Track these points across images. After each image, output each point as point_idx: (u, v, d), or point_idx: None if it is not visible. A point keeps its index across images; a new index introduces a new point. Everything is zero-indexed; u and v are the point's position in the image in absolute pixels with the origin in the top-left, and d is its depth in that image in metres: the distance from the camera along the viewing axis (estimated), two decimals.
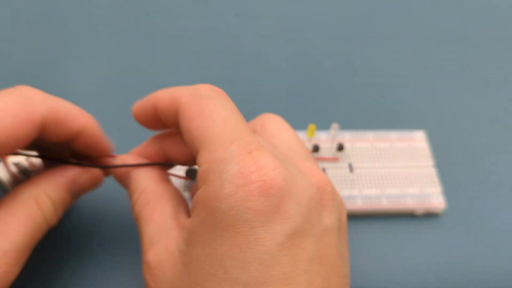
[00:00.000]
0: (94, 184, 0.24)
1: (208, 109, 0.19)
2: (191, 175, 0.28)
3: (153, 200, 0.22)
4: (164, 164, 0.24)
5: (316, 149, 0.30)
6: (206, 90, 0.21)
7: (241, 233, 0.17)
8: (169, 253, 0.19)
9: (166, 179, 0.24)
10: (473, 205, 0.30)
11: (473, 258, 0.28)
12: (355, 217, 0.29)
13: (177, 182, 0.29)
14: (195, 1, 0.41)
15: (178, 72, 0.36)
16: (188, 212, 0.22)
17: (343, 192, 0.29)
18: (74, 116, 0.21)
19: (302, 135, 0.31)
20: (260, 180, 0.17)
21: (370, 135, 0.32)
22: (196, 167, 0.29)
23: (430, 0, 0.42)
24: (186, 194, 0.28)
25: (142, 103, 0.23)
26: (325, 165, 0.30)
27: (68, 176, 0.22)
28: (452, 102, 0.35)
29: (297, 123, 0.31)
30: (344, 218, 0.21)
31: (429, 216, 0.30)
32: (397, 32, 0.40)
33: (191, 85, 0.21)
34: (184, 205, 0.22)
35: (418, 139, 0.32)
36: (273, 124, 0.23)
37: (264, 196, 0.17)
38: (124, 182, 0.23)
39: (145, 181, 0.22)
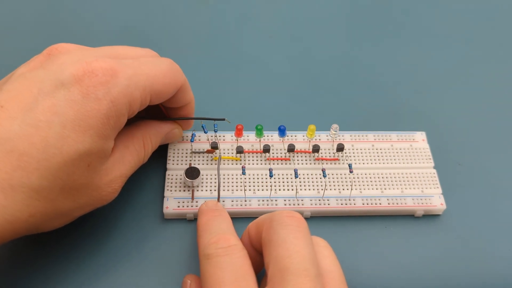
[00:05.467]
0: (175, 138, 0.30)
1: None
2: (190, 174, 0.28)
3: None
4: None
5: (316, 149, 0.30)
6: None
7: None
8: None
9: None
10: (473, 206, 0.30)
11: (473, 259, 0.28)
12: (355, 217, 0.29)
13: (178, 181, 0.29)
14: (195, 1, 0.41)
15: None
16: None
17: (343, 192, 0.29)
18: (190, 90, 0.28)
19: (303, 135, 0.31)
20: None
21: (371, 135, 0.32)
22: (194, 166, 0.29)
23: (429, 1, 0.42)
24: (186, 193, 0.28)
25: None
26: (325, 165, 0.30)
27: (165, 129, 0.28)
28: (453, 103, 0.35)
29: (298, 124, 0.31)
30: None
31: (430, 217, 0.30)
32: (398, 33, 0.40)
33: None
34: None
35: (419, 140, 0.32)
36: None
37: None
38: None
39: None
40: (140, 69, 0.24)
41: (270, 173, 0.29)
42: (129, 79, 0.23)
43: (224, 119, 0.29)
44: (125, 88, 0.23)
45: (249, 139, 0.31)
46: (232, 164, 0.30)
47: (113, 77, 0.23)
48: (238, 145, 0.30)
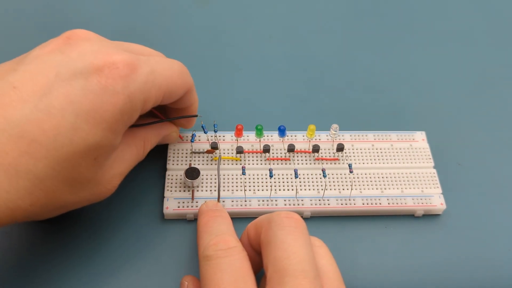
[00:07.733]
0: (171, 141, 0.30)
1: None
2: (190, 175, 0.28)
3: None
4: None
5: (316, 149, 0.30)
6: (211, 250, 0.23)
7: None
8: None
9: None
10: (473, 206, 0.30)
11: (473, 259, 0.28)
12: (355, 217, 0.29)
13: (178, 182, 0.29)
14: (195, 1, 0.41)
15: None
16: None
17: (343, 192, 0.29)
18: (195, 92, 0.28)
19: (303, 135, 0.31)
20: None
21: (371, 135, 0.32)
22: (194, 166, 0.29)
23: (429, 1, 0.42)
24: (186, 193, 0.28)
25: None
26: (325, 165, 0.30)
27: (164, 131, 0.29)
28: (453, 103, 0.35)
29: (298, 124, 0.31)
30: None
31: (430, 217, 0.30)
32: (398, 33, 0.40)
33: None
34: None
35: (419, 140, 0.32)
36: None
37: None
38: None
39: None
40: (157, 67, 0.24)
41: (270, 173, 0.29)
42: (147, 76, 0.23)
43: (197, 115, 0.29)
44: (143, 84, 0.23)
45: (249, 139, 0.31)
46: (232, 164, 0.30)
47: (133, 72, 0.22)
48: (238, 145, 0.30)
